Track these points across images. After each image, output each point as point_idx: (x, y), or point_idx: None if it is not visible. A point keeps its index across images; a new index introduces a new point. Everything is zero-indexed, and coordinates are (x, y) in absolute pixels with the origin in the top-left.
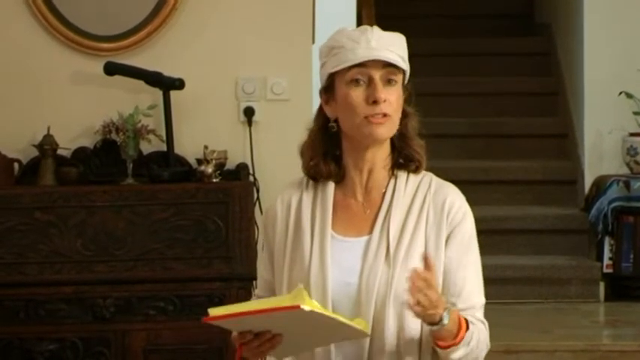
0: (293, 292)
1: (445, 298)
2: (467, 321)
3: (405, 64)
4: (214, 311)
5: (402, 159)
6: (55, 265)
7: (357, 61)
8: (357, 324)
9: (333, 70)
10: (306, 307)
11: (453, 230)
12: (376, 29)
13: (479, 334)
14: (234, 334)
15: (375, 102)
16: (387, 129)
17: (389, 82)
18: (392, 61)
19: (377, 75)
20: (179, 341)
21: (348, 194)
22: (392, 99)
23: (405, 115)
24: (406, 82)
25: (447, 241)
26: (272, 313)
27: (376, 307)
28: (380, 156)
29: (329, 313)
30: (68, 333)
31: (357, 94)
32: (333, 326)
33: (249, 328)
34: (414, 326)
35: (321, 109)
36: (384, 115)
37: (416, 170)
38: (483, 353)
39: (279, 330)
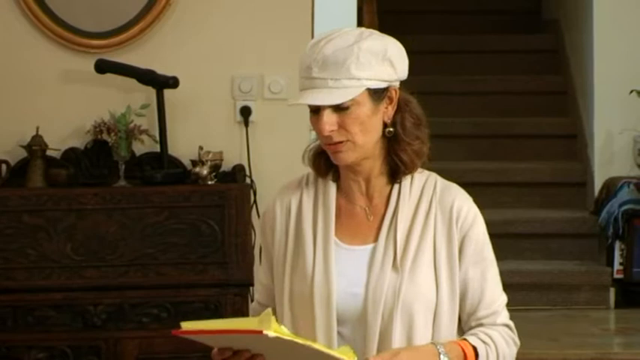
0: (261, 314)
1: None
2: (475, 348)
3: (368, 81)
4: (186, 325)
5: (394, 164)
6: (44, 270)
7: (297, 101)
8: (342, 353)
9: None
10: (270, 334)
11: (465, 236)
12: (331, 43)
13: (496, 350)
14: (215, 350)
15: (321, 133)
16: (348, 154)
17: (339, 108)
18: (320, 103)
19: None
20: (173, 350)
21: (350, 200)
22: (346, 123)
23: (399, 117)
24: (391, 85)
25: (460, 247)
26: (239, 335)
27: (383, 318)
28: (370, 165)
29: (301, 340)
30: (58, 341)
31: (314, 122)
32: (313, 354)
33: (228, 345)
34: (423, 338)
35: None
36: (337, 143)
37: (407, 173)
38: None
39: (259, 351)
